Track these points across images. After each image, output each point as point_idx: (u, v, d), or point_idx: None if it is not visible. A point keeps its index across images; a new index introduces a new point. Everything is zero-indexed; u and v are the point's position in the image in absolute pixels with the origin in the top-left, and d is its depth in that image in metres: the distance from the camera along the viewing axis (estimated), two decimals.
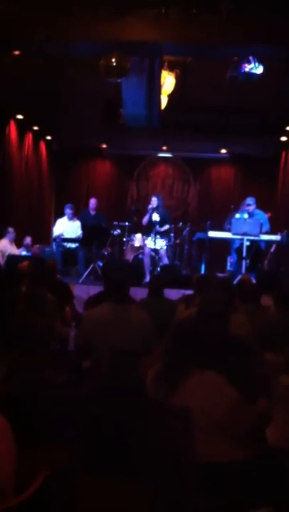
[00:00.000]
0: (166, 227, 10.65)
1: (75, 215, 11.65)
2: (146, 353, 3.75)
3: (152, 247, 10.34)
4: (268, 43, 7.57)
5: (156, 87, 8.72)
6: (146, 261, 10.34)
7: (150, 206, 10.49)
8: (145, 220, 10.54)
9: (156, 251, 10.44)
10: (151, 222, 10.40)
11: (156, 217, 10.30)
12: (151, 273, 10.12)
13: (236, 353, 2.85)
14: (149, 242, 10.37)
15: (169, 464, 2.20)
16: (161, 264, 10.47)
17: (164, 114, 9.62)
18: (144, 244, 10.53)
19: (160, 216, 10.37)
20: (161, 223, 10.45)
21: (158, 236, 10.33)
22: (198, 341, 2.92)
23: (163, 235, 10.55)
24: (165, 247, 10.54)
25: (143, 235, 10.96)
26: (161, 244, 10.43)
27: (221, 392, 2.71)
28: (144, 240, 10.79)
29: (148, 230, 10.54)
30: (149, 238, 10.38)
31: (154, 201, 10.49)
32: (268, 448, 2.84)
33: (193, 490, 2.31)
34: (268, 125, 11.47)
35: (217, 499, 2.47)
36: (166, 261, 10.47)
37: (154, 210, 10.38)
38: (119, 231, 11.44)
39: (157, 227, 10.31)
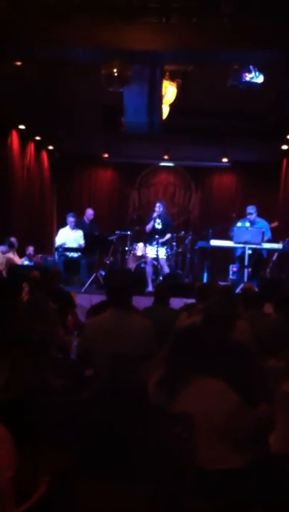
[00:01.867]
0: (168, 236, 10.66)
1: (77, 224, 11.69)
2: (148, 360, 3.74)
3: (153, 256, 10.33)
4: (269, 48, 7.59)
5: (157, 94, 8.74)
6: (149, 270, 10.33)
7: (155, 214, 10.51)
8: (149, 227, 10.53)
9: (157, 260, 10.44)
10: (153, 230, 10.41)
11: (158, 224, 10.32)
12: (154, 282, 10.11)
13: (237, 359, 2.85)
14: (150, 251, 10.36)
15: (169, 468, 2.20)
16: (164, 272, 10.46)
17: (165, 122, 9.64)
18: (146, 253, 10.53)
19: (163, 224, 10.39)
20: (163, 231, 10.45)
21: (159, 245, 10.32)
22: (200, 347, 2.92)
23: (164, 244, 10.55)
24: (165, 256, 10.52)
25: (145, 243, 10.98)
26: (161, 253, 10.42)
27: (222, 397, 2.70)
28: (145, 249, 10.80)
29: (150, 237, 10.54)
30: (150, 247, 10.38)
31: (158, 207, 10.51)
32: (269, 453, 2.83)
33: (194, 494, 2.30)
34: (269, 132, 11.49)
35: (217, 504, 2.46)
36: (166, 270, 10.46)
37: (157, 217, 10.39)
38: (114, 237, 11.44)
39: (158, 237, 10.32)
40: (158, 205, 10.59)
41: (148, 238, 10.63)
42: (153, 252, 10.31)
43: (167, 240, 10.71)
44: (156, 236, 10.31)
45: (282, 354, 3.71)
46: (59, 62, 8.90)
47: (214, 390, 2.74)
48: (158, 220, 10.35)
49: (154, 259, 10.35)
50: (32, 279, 6.75)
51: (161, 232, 10.43)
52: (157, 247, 10.28)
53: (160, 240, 10.37)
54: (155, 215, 10.45)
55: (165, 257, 10.53)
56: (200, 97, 10.23)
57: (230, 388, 2.72)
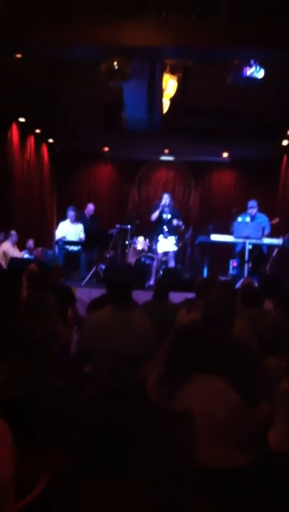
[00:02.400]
0: (180, 223, 10.59)
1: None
2: (148, 357, 3.74)
3: (165, 249, 10.29)
4: (268, 45, 7.60)
5: (157, 90, 8.75)
6: (155, 264, 10.32)
7: (162, 203, 10.43)
8: (155, 215, 10.44)
9: (165, 253, 10.41)
10: (161, 220, 10.35)
11: (167, 214, 10.29)
12: (157, 275, 10.11)
13: (238, 357, 2.85)
14: (161, 244, 10.28)
15: (170, 467, 2.20)
16: (164, 266, 10.45)
17: (165, 118, 9.63)
18: (154, 248, 10.48)
19: (171, 214, 10.38)
20: (171, 221, 10.42)
21: (167, 234, 10.25)
22: (200, 345, 2.92)
23: (173, 231, 10.46)
24: (175, 248, 10.46)
25: (146, 237, 10.96)
26: (171, 243, 10.35)
27: (223, 396, 2.71)
28: (146, 244, 10.77)
29: (156, 228, 10.46)
30: (159, 242, 10.31)
31: (166, 198, 10.47)
32: (269, 452, 2.83)
33: (194, 494, 2.31)
34: (269, 128, 11.48)
35: (218, 503, 2.47)
36: (172, 263, 10.44)
37: (165, 207, 10.35)
38: (114, 231, 11.41)
39: (173, 221, 10.26)
40: (165, 196, 10.55)
41: (154, 229, 10.54)
42: (164, 244, 10.24)
43: (177, 227, 10.62)
44: (164, 227, 10.28)
45: (282, 352, 3.72)
46: (59, 59, 8.88)
47: (214, 388, 2.74)
48: (166, 210, 10.32)
49: (164, 253, 10.30)
50: (30, 272, 6.72)
51: (171, 222, 10.39)
52: (167, 236, 10.21)
53: (173, 224, 10.30)
54: (162, 203, 10.40)
55: (174, 250, 10.46)
56: (200, 95, 10.21)
57: (231, 386, 2.73)
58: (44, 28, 7.50)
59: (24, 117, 11.80)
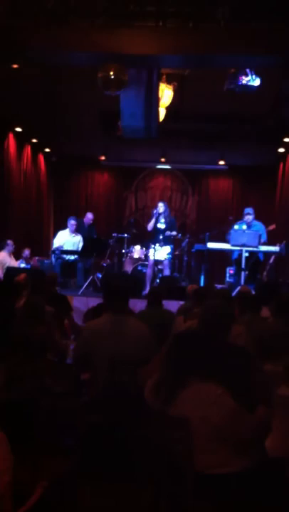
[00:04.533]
0: (174, 232, 10.58)
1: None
2: (145, 363, 3.74)
3: (156, 258, 10.28)
4: (265, 52, 7.61)
5: (154, 98, 8.75)
6: (149, 272, 10.31)
7: (155, 211, 10.45)
8: (150, 225, 10.42)
9: (159, 262, 10.39)
10: (156, 229, 10.36)
11: (162, 224, 10.30)
12: (152, 284, 10.10)
13: (235, 363, 2.84)
14: (152, 254, 10.30)
15: (168, 473, 2.19)
16: (160, 275, 10.44)
17: (162, 126, 9.65)
18: (148, 256, 10.48)
19: (167, 223, 10.36)
20: (168, 230, 10.40)
21: (162, 243, 10.27)
22: (197, 351, 2.92)
23: (168, 240, 10.46)
24: (168, 257, 10.44)
25: (142, 246, 10.96)
26: (164, 253, 10.34)
27: (220, 401, 2.70)
28: (143, 252, 10.78)
29: (152, 237, 10.45)
30: (152, 249, 10.30)
31: (161, 207, 10.46)
32: (266, 458, 2.82)
33: (193, 499, 2.30)
34: (266, 136, 11.51)
35: (216, 508, 2.46)
36: (167, 272, 10.43)
37: (159, 215, 10.35)
38: (111, 240, 11.40)
39: (166, 232, 10.26)
40: (160, 204, 10.54)
41: (150, 239, 10.52)
42: (157, 253, 10.25)
43: (172, 237, 10.59)
44: (160, 236, 10.29)
45: (279, 358, 3.71)
46: (56, 65, 8.90)
47: (211, 394, 2.73)
48: (162, 220, 10.33)
49: (156, 261, 10.29)
50: (17, 282, 6.68)
51: (165, 232, 10.38)
52: (162, 246, 10.22)
53: (167, 234, 10.29)
54: (155, 211, 10.41)
55: (168, 258, 10.45)
56: (197, 101, 10.24)
57: (228, 392, 2.72)
58: (41, 34, 7.52)
59: (21, 127, 11.82)
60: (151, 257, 10.28)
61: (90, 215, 12.17)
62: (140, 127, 9.06)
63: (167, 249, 10.36)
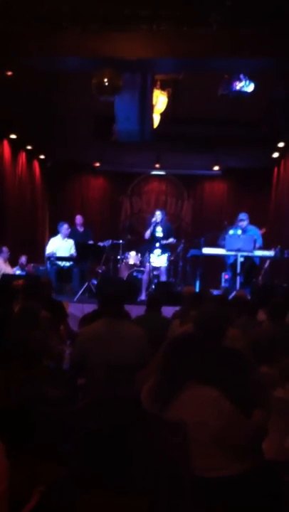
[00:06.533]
0: (171, 239, 10.59)
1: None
2: (141, 367, 3.74)
3: (156, 265, 10.29)
4: (259, 56, 7.64)
5: (148, 102, 8.76)
6: (145, 278, 10.30)
7: (153, 220, 10.45)
8: (147, 234, 10.44)
9: (156, 268, 10.39)
10: (153, 237, 10.37)
11: (159, 232, 10.31)
12: (147, 290, 10.08)
13: (231, 366, 2.84)
14: (153, 260, 10.28)
15: (165, 477, 2.18)
16: (155, 281, 10.43)
17: (157, 130, 9.66)
18: (143, 262, 10.48)
19: (164, 231, 10.38)
20: (165, 238, 10.42)
21: (160, 251, 10.28)
22: (193, 355, 2.91)
23: (166, 248, 10.47)
24: (166, 264, 10.45)
25: (138, 252, 10.95)
26: (162, 260, 10.36)
27: (216, 405, 2.70)
28: (138, 258, 10.78)
29: (149, 244, 10.45)
30: (152, 255, 10.29)
31: (158, 215, 10.48)
32: (263, 460, 2.82)
33: (191, 503, 2.29)
34: (261, 140, 11.53)
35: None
36: (164, 278, 10.43)
37: (157, 224, 10.37)
38: (105, 243, 11.34)
39: (162, 241, 10.28)
40: (157, 213, 10.56)
41: (148, 246, 10.51)
42: (155, 260, 10.26)
43: (170, 244, 10.61)
44: (157, 244, 10.30)
45: (275, 361, 3.71)
46: (50, 71, 8.91)
47: (208, 398, 2.73)
48: (159, 228, 10.34)
49: (154, 268, 10.29)
50: (16, 288, 6.68)
51: (163, 240, 10.39)
52: (160, 253, 10.24)
53: (164, 242, 10.32)
54: (153, 220, 10.43)
55: (166, 266, 10.45)
56: (191, 105, 10.27)
57: (224, 396, 2.72)
58: (35, 39, 7.52)
59: (15, 134, 11.82)
60: (152, 264, 10.27)
61: (79, 217, 12.02)
62: (135, 130, 9.06)
63: (165, 256, 10.40)
